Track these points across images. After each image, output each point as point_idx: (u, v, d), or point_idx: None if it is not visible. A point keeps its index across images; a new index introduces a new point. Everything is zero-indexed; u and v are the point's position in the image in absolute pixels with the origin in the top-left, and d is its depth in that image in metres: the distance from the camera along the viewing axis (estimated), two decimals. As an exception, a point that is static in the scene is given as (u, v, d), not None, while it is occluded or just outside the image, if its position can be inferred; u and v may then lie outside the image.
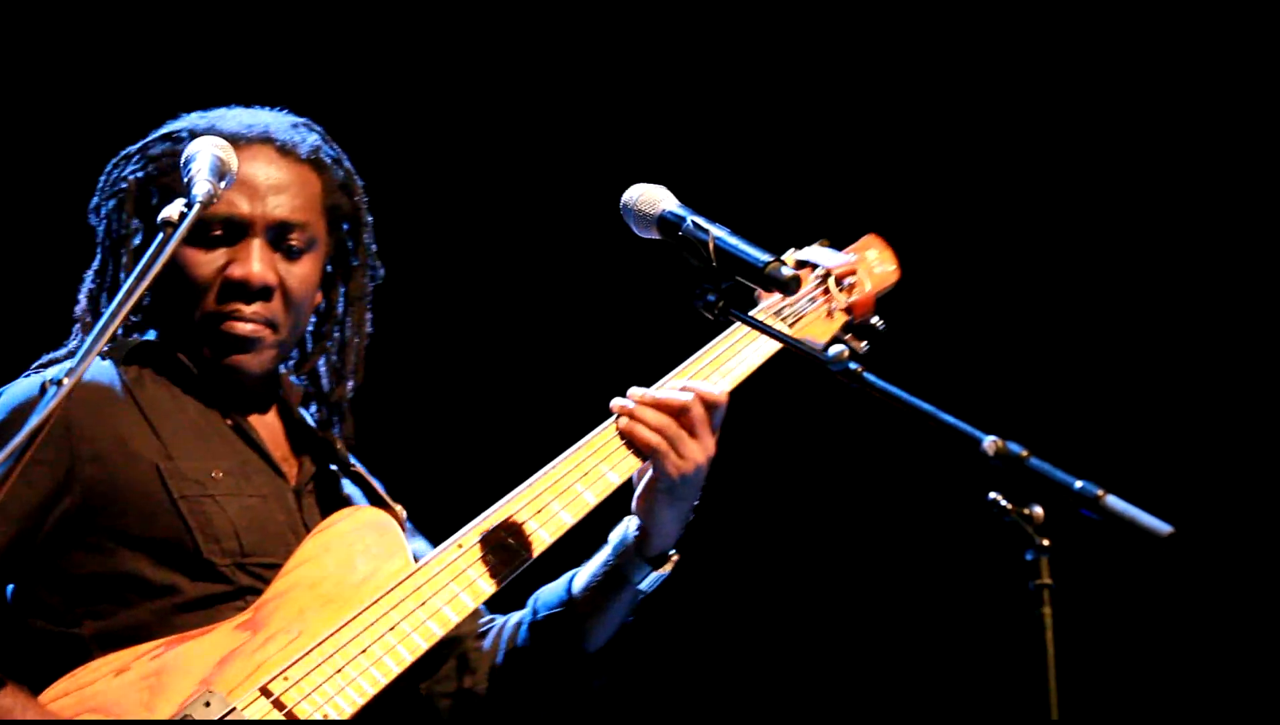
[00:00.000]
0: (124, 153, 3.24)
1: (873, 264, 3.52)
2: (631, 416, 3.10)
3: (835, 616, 5.29)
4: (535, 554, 3.06)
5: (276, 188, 3.13)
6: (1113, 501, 2.36)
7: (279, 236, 3.11)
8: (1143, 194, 5.37)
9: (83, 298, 3.20)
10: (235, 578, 2.97)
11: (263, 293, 3.08)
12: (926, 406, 2.77)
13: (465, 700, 3.22)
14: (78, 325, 3.19)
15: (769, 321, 3.27)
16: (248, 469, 3.08)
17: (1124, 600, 5.28)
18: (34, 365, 3.13)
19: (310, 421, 3.27)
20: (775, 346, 3.26)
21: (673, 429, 3.08)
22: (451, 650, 3.23)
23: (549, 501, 3.08)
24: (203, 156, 2.78)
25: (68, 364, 2.69)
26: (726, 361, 3.24)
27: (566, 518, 3.07)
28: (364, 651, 2.92)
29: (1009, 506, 2.50)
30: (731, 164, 5.33)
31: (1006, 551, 2.72)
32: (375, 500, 3.21)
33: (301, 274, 3.13)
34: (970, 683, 5.31)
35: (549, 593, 3.21)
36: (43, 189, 4.99)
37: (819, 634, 5.27)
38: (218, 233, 3.08)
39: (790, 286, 2.81)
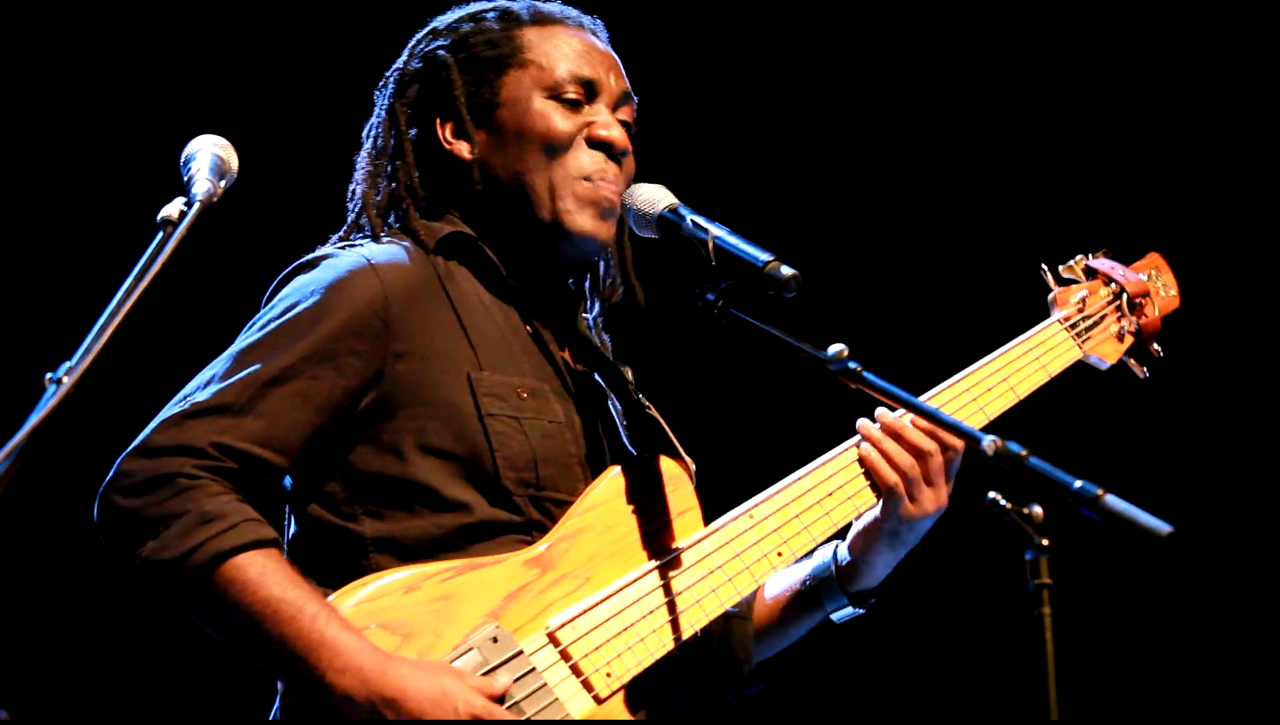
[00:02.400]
0: (431, 27, 3.19)
1: (1159, 286, 3.47)
2: (876, 446, 3.03)
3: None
4: (823, 538, 3.03)
5: (617, 63, 3.15)
6: (1112, 501, 2.36)
7: (619, 105, 3.11)
8: (1150, 198, 5.37)
9: (398, 161, 3.12)
10: (526, 510, 2.90)
11: (623, 156, 3.07)
12: (927, 406, 2.78)
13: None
14: (356, 204, 3.12)
15: (1064, 333, 3.28)
16: (545, 389, 2.99)
17: (1124, 600, 5.28)
18: (332, 239, 3.07)
19: (597, 342, 3.20)
20: (1062, 366, 3.27)
21: (915, 472, 3.00)
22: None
23: (844, 483, 3.05)
24: (203, 155, 2.77)
25: (68, 363, 2.67)
26: (1005, 377, 3.20)
27: (859, 505, 3.04)
28: (652, 612, 2.88)
29: (1008, 506, 2.50)
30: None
31: (1006, 551, 2.73)
32: (669, 447, 3.09)
33: (630, 149, 3.11)
34: (970, 682, 5.31)
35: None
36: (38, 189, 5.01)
37: (817, 634, 5.27)
38: (574, 94, 3.07)
39: (789, 286, 2.76)
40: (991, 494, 2.56)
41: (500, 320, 3.01)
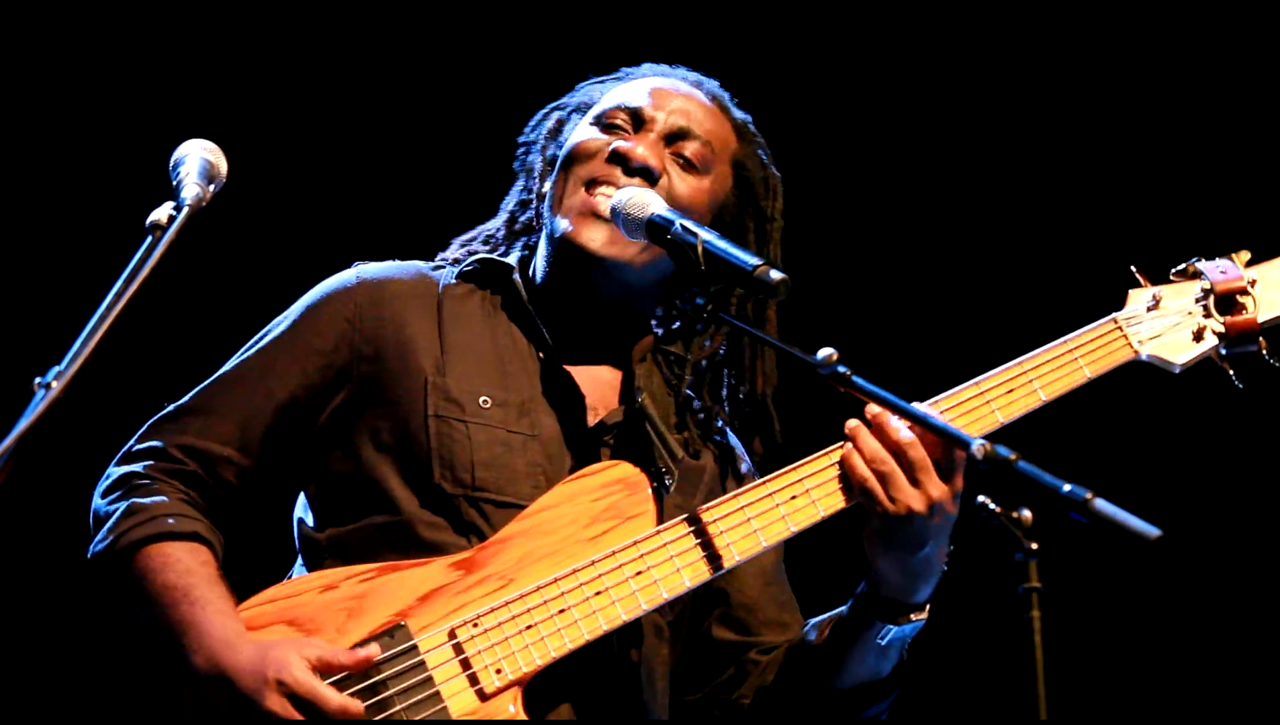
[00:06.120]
0: (547, 109, 3.32)
1: (1277, 285, 3.20)
2: (854, 440, 2.90)
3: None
4: (774, 543, 2.93)
5: (688, 106, 3.16)
6: (1101, 504, 2.36)
7: (675, 139, 3.11)
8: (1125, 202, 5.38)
9: (504, 211, 3.28)
10: (462, 509, 2.93)
11: (643, 171, 3.06)
12: (916, 410, 2.78)
13: (733, 710, 3.14)
14: (499, 230, 3.26)
15: (1118, 332, 3.12)
16: (530, 405, 3.02)
17: (1113, 603, 5.28)
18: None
19: (650, 377, 3.15)
20: (1108, 366, 3.10)
21: (888, 465, 2.86)
22: (735, 658, 3.15)
23: (809, 488, 2.95)
24: (192, 160, 2.77)
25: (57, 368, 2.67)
26: (1031, 379, 3.05)
27: (821, 510, 2.93)
28: (563, 612, 2.85)
29: (997, 509, 2.50)
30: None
31: (995, 554, 2.73)
32: (650, 456, 3.05)
33: (690, 184, 3.11)
34: (959, 685, 5.31)
35: (815, 624, 3.10)
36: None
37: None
38: (619, 121, 3.12)
39: (777, 291, 2.76)
40: (980, 498, 2.56)
41: (503, 342, 3.07)
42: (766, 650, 3.15)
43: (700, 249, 2.85)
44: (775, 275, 2.77)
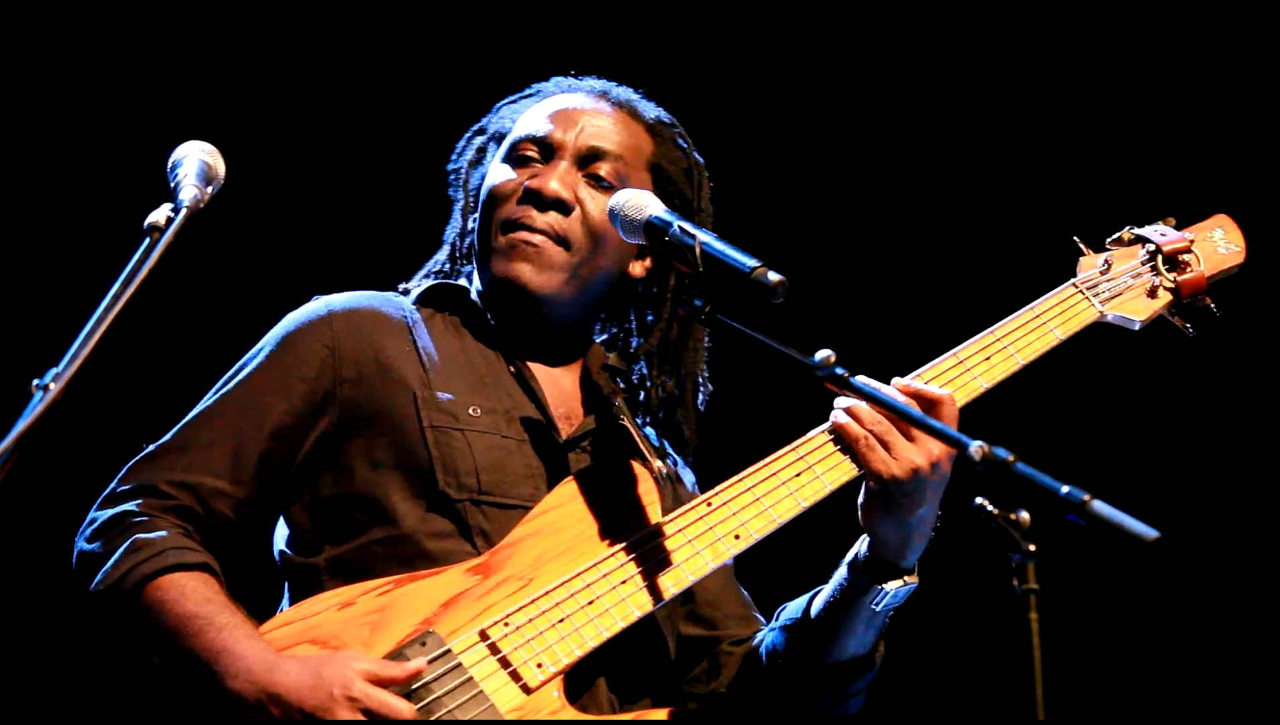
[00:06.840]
0: (469, 134, 3.39)
1: (1216, 244, 3.43)
2: (850, 410, 2.98)
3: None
4: (786, 519, 2.99)
5: (597, 123, 3.21)
6: (1099, 506, 2.36)
7: (587, 161, 3.17)
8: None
9: (446, 242, 3.34)
10: (468, 514, 2.96)
11: (556, 205, 3.12)
12: (913, 412, 2.79)
13: (711, 702, 3.18)
14: (445, 263, 3.33)
15: (1079, 296, 3.27)
16: (512, 413, 3.08)
17: (1111, 604, 5.28)
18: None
19: (612, 385, 3.22)
20: (1076, 327, 3.24)
21: (883, 424, 2.94)
22: (707, 651, 3.20)
23: (812, 464, 3.01)
24: (190, 161, 2.77)
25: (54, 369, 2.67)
26: (1006, 345, 3.18)
27: (827, 484, 3.01)
28: (592, 602, 2.89)
29: (995, 511, 2.50)
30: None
31: (993, 556, 2.73)
32: (637, 454, 3.11)
33: (604, 205, 3.12)
34: (958, 686, 5.32)
35: (795, 604, 3.14)
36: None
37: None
38: (530, 152, 3.18)
39: (776, 292, 2.76)
40: (978, 499, 2.55)
41: (475, 357, 3.13)
42: (736, 643, 3.21)
43: (698, 250, 2.87)
44: (773, 277, 2.78)
